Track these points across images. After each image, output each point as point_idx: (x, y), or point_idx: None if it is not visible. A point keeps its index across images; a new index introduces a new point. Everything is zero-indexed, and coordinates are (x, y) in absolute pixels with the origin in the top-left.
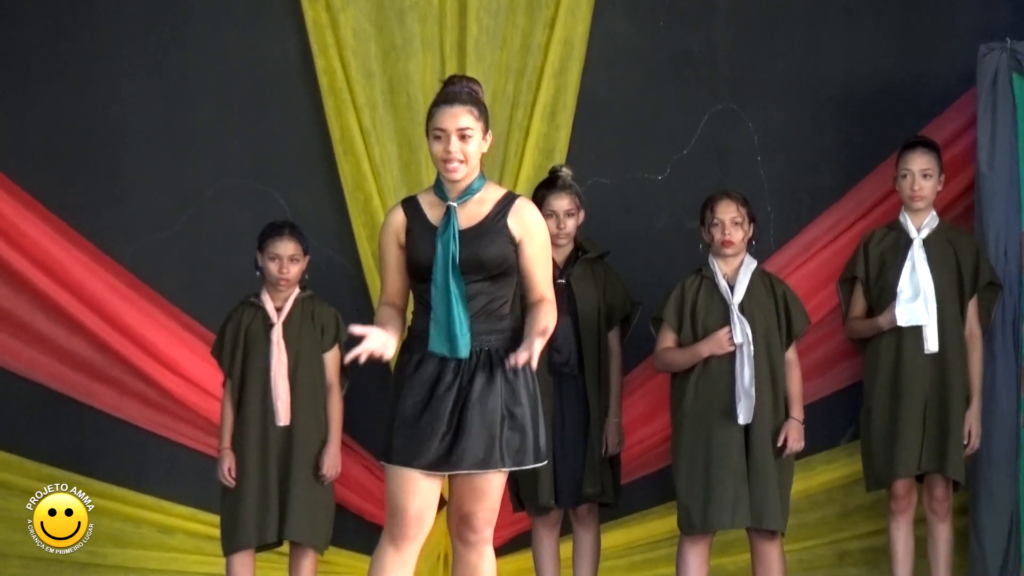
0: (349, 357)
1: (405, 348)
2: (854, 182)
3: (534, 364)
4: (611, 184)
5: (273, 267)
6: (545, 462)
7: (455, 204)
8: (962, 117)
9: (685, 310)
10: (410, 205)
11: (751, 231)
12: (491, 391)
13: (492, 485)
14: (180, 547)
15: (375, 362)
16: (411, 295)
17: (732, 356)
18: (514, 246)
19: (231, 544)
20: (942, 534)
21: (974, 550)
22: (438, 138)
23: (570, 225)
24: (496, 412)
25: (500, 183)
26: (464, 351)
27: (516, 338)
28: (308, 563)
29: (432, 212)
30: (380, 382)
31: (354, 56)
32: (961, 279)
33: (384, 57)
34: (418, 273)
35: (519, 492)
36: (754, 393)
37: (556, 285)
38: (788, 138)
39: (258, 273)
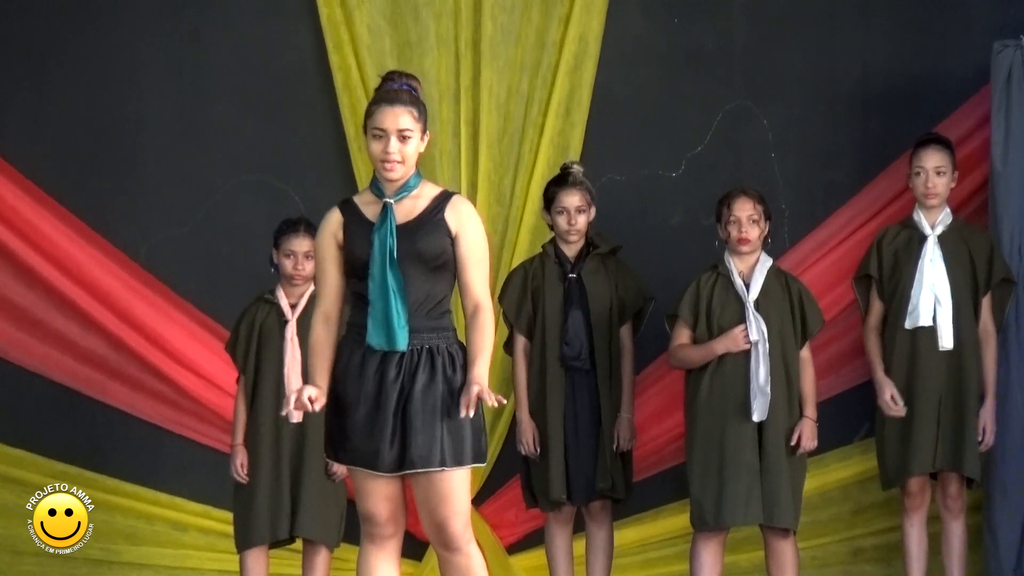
0: (291, 416)
1: (345, 344)
2: (868, 179)
3: (481, 402)
4: (626, 181)
5: (288, 264)
6: (484, 463)
7: (392, 200)
8: (976, 114)
9: (700, 307)
10: (347, 205)
11: (767, 228)
12: (431, 390)
13: (448, 485)
14: (194, 544)
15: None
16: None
17: (747, 353)
18: (451, 239)
19: (244, 541)
20: (956, 531)
21: (988, 547)
22: (377, 137)
23: (581, 221)
24: (436, 411)
25: (515, 180)
26: (402, 343)
27: (456, 339)
28: (321, 560)
29: (369, 210)
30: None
31: (369, 53)
32: (975, 276)
33: (399, 54)
34: (356, 269)
35: (532, 488)
36: (769, 391)
37: (568, 280)
38: (803, 135)
39: (273, 270)
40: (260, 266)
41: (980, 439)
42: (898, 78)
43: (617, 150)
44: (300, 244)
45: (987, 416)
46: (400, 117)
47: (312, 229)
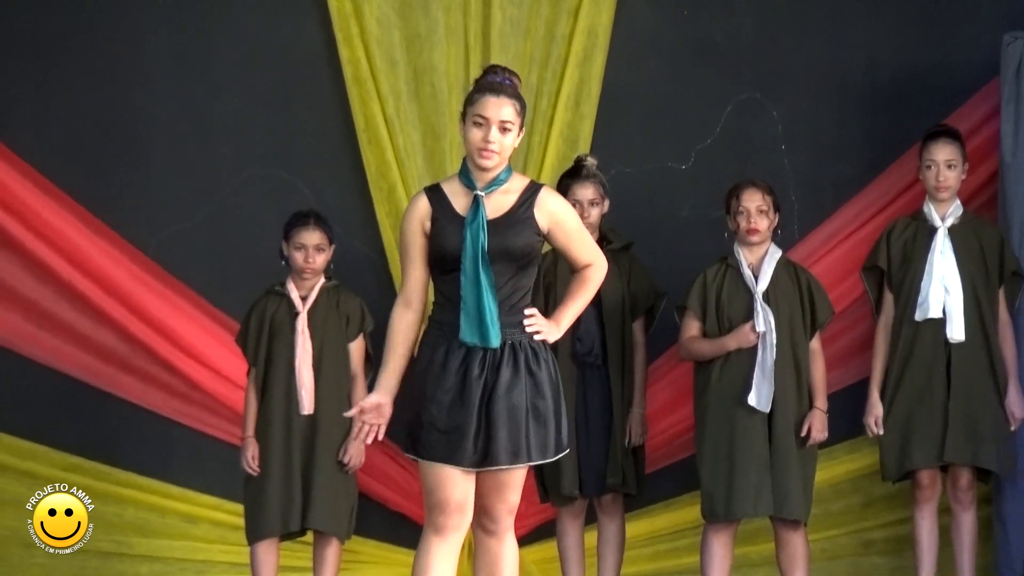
0: (362, 438)
1: (427, 340)
2: (878, 171)
3: (551, 337)
4: (635, 173)
5: (299, 256)
6: (566, 451)
7: (482, 193)
8: (986, 106)
9: (709, 298)
10: (435, 193)
11: (776, 220)
12: (516, 385)
13: (515, 478)
14: (205, 536)
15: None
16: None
17: (755, 345)
18: (540, 237)
19: (255, 533)
20: (966, 523)
21: (998, 539)
22: (479, 125)
23: (594, 214)
24: (521, 407)
25: (524, 172)
26: (495, 340)
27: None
28: (331, 552)
29: (458, 201)
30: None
31: (378, 45)
32: (986, 269)
33: (408, 46)
34: (444, 262)
35: (544, 482)
36: (773, 380)
37: None
38: (812, 127)
39: (283, 262)
40: (270, 259)
41: (1013, 428)
42: (907, 71)
43: (626, 143)
44: (310, 237)
45: (1014, 403)
46: (503, 108)
47: (321, 222)
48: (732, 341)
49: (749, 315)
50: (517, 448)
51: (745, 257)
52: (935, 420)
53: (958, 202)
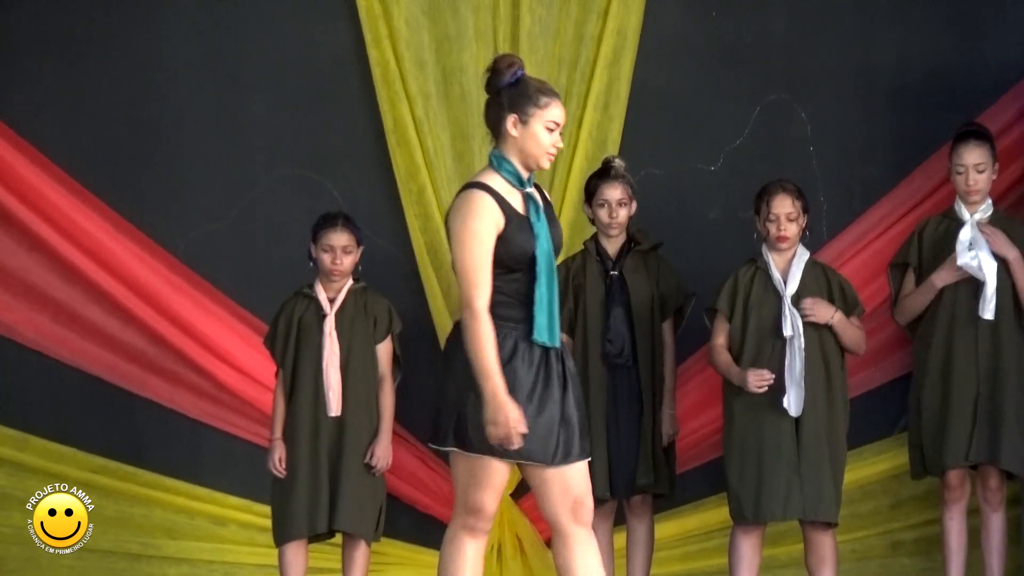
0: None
1: (501, 338)
2: (907, 172)
3: None
4: (664, 175)
5: (326, 258)
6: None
7: (532, 192)
8: (1015, 106)
9: (738, 300)
10: (494, 194)
11: (805, 223)
12: (575, 382)
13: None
14: (233, 538)
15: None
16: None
17: (783, 347)
18: None
19: (282, 535)
20: (996, 524)
21: None
22: (550, 130)
23: (622, 215)
24: (581, 403)
25: (553, 174)
26: (558, 339)
27: None
28: (360, 554)
29: (512, 199)
30: (434, 373)
31: (407, 47)
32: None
33: (437, 48)
34: (517, 262)
35: None
36: (804, 384)
37: (609, 277)
38: (841, 128)
39: (312, 264)
40: (298, 260)
41: None
42: (936, 71)
43: (655, 144)
44: (338, 239)
45: None
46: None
47: (350, 223)
48: (737, 378)
49: (778, 318)
50: (589, 442)
51: (774, 259)
52: (964, 420)
53: (989, 201)
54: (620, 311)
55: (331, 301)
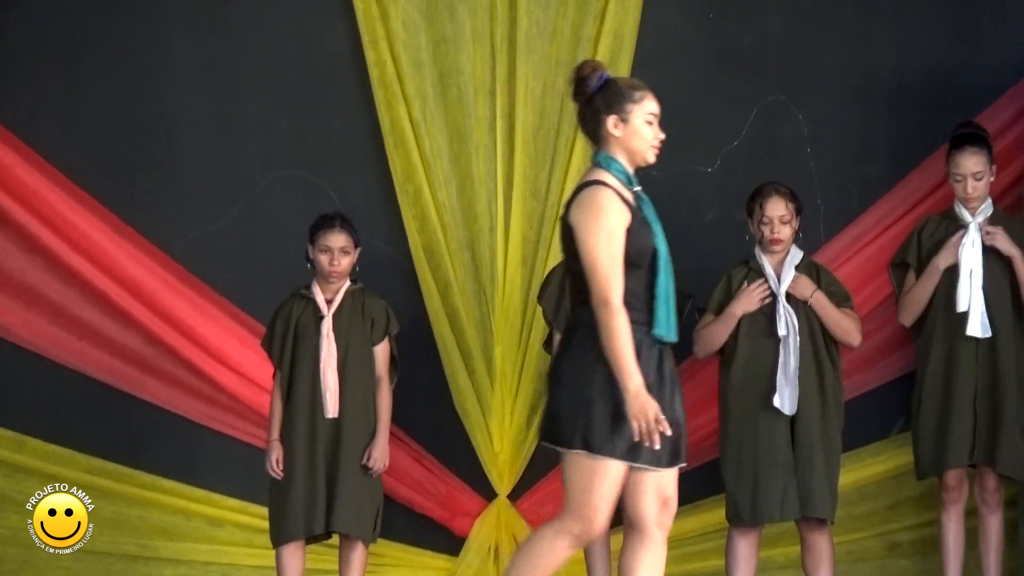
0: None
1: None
2: (904, 173)
3: None
4: (661, 176)
5: (324, 259)
6: None
7: (640, 190)
8: (1012, 108)
9: (729, 301)
10: (616, 191)
11: (798, 224)
12: (679, 384)
13: None
14: (230, 540)
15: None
16: None
17: (777, 347)
18: None
19: (279, 536)
20: (993, 525)
21: (1022, 541)
22: (650, 123)
23: None
24: (682, 405)
25: (550, 175)
26: (676, 335)
27: None
28: (357, 555)
29: (627, 197)
30: (431, 374)
31: (404, 48)
32: (1012, 267)
33: (434, 49)
34: (642, 258)
35: None
36: (798, 383)
37: None
38: (838, 129)
39: (309, 265)
40: (295, 262)
41: None
42: (933, 72)
43: None
44: (336, 240)
45: None
46: None
47: (347, 225)
48: (738, 306)
49: (771, 318)
50: (686, 447)
51: (767, 260)
52: (964, 419)
53: (989, 201)
54: None
55: (328, 302)
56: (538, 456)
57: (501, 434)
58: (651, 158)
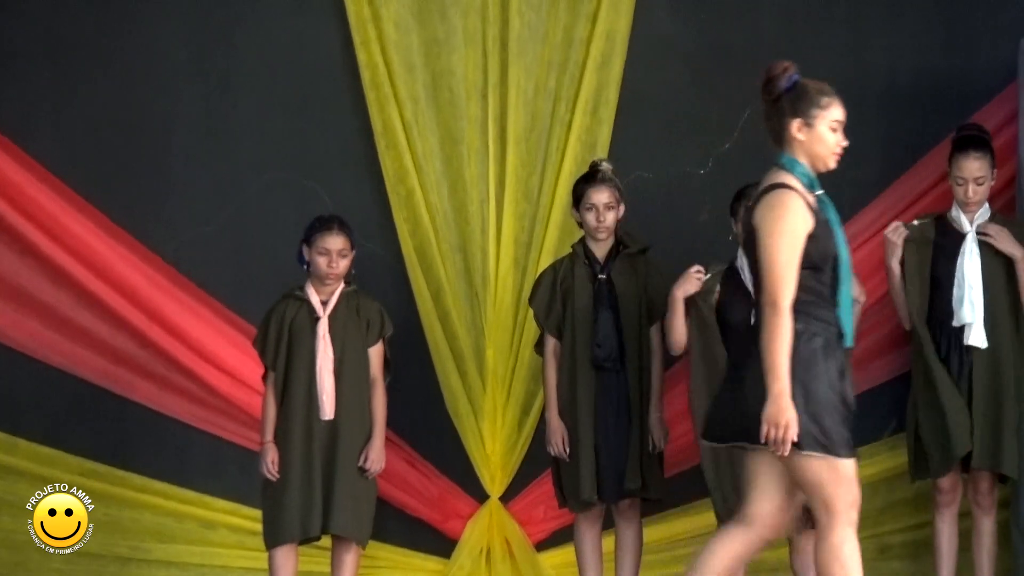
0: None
1: (816, 341)
2: (896, 176)
3: None
4: (653, 178)
5: (322, 262)
6: None
7: (823, 194)
8: (1003, 111)
9: (709, 299)
10: (801, 195)
11: None
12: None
13: None
14: (222, 542)
15: None
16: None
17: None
18: None
19: (274, 538)
20: (986, 528)
21: (1016, 543)
22: (834, 130)
23: (610, 219)
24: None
25: (542, 177)
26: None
27: None
28: (351, 557)
29: (811, 201)
30: (422, 377)
31: (396, 50)
32: (1009, 273)
33: (426, 51)
34: (823, 262)
35: (562, 488)
36: None
37: (597, 281)
38: None
39: (304, 267)
40: (289, 263)
41: None
42: (925, 76)
43: (645, 147)
44: (334, 242)
45: None
46: None
47: (345, 227)
48: (678, 289)
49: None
50: None
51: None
52: (964, 421)
53: (986, 206)
54: (608, 315)
55: (324, 304)
56: (530, 458)
57: (493, 436)
58: (832, 164)
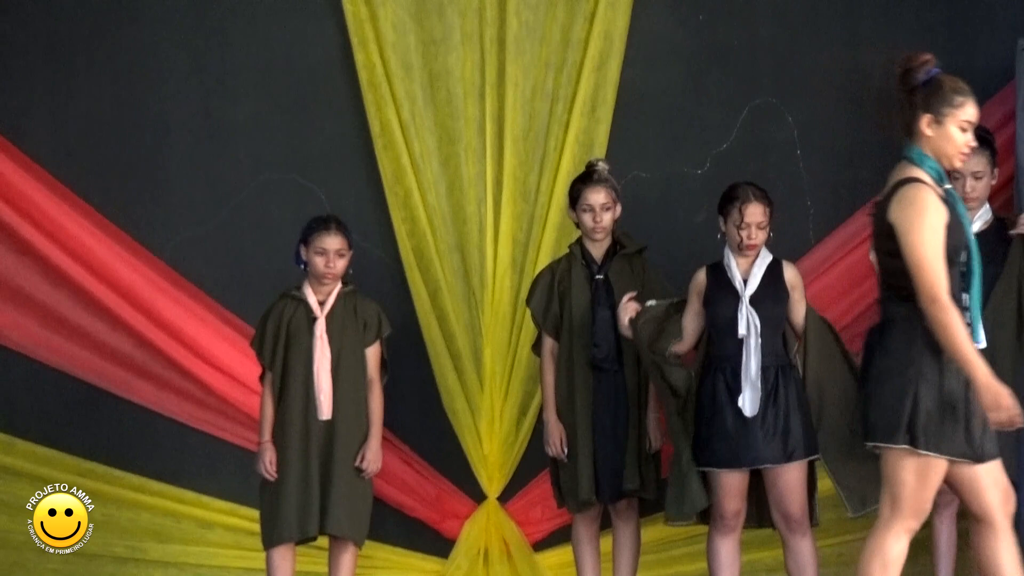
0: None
1: (908, 328)
2: None
3: None
4: (651, 178)
5: (320, 262)
6: None
7: (951, 188)
8: (1001, 111)
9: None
10: (933, 190)
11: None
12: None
13: None
14: (220, 542)
15: None
16: None
17: (738, 348)
18: None
19: (272, 538)
20: None
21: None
22: (964, 130)
23: (607, 219)
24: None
25: (540, 177)
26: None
27: None
28: (348, 557)
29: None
30: (420, 377)
31: (394, 50)
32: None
33: (424, 51)
34: (955, 255)
35: (560, 488)
36: (759, 384)
37: (595, 281)
38: (828, 132)
39: (302, 267)
40: (285, 264)
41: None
42: None
43: (642, 147)
44: (332, 242)
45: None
46: None
47: (342, 227)
48: (622, 321)
49: (734, 318)
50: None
51: (737, 261)
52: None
53: (987, 206)
54: (606, 315)
55: (321, 304)
56: (527, 458)
57: (491, 436)
58: (957, 164)
